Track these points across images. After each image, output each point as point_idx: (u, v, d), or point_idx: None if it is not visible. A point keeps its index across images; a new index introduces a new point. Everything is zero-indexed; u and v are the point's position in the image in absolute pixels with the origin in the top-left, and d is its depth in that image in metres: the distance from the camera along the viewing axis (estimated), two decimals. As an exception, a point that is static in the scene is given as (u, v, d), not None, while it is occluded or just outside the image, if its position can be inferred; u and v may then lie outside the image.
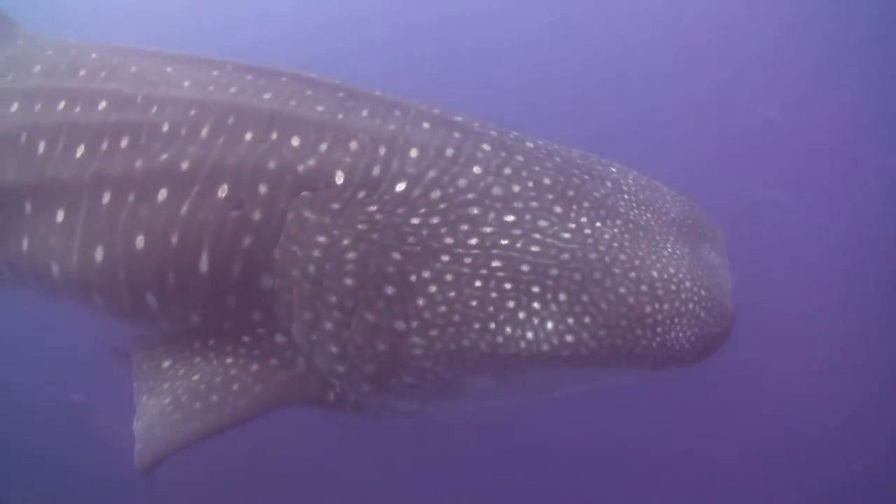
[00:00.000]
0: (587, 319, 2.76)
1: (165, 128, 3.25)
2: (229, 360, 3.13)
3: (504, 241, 2.87)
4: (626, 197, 3.17)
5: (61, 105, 3.50)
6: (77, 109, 3.46)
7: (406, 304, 2.85)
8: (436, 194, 2.97)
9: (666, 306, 2.81)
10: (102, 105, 3.41)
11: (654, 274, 2.86)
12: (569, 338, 2.76)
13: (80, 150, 3.36)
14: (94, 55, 3.75)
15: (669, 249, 3.01)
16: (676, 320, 2.81)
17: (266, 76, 3.40)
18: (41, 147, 3.45)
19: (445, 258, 2.87)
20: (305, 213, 3.00)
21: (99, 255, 3.22)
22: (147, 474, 2.90)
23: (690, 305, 2.85)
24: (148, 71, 3.55)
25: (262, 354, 3.14)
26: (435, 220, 2.92)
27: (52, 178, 3.39)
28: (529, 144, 3.24)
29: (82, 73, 3.64)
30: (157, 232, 3.12)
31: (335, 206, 2.99)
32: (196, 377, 3.11)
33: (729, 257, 3.33)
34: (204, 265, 3.08)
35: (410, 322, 2.85)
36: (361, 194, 3.00)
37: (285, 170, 3.06)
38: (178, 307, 3.20)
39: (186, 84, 3.40)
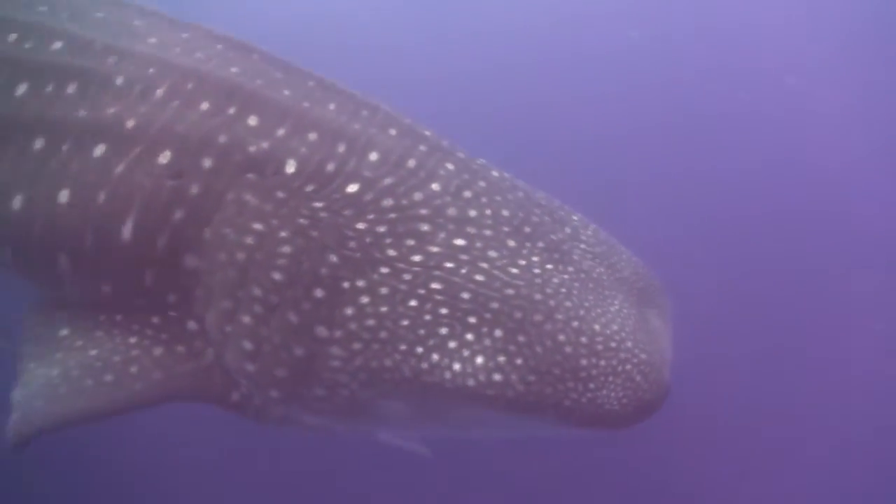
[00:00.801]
0: (519, 361, 2.61)
1: (119, 81, 3.04)
2: (133, 340, 2.91)
3: (449, 265, 2.72)
4: (583, 247, 3.06)
5: (11, 37, 3.26)
6: (27, 45, 3.22)
7: (333, 311, 2.68)
8: (388, 203, 2.82)
9: (603, 362, 2.68)
10: (56, 46, 3.18)
11: (597, 327, 2.73)
12: (497, 377, 2.60)
13: (21, 88, 3.10)
14: None
15: (616, 307, 2.89)
16: (611, 379, 2.68)
17: (238, 49, 3.23)
18: None
19: (384, 270, 2.70)
20: (247, 196, 2.82)
21: (17, 202, 2.97)
22: (20, 449, 2.64)
23: (628, 367, 2.72)
24: (115, 20, 3.33)
25: (169, 339, 2.92)
26: (381, 229, 2.76)
27: None
28: (495, 173, 3.11)
29: (43, 8, 3.41)
30: (85, 188, 2.89)
31: (280, 194, 2.82)
32: (93, 352, 2.87)
33: (672, 328, 3.23)
34: (127, 232, 2.86)
35: (334, 330, 2.67)
36: (310, 188, 2.83)
37: (235, 147, 2.88)
38: (90, 274, 2.97)
39: (152, 41, 3.20)
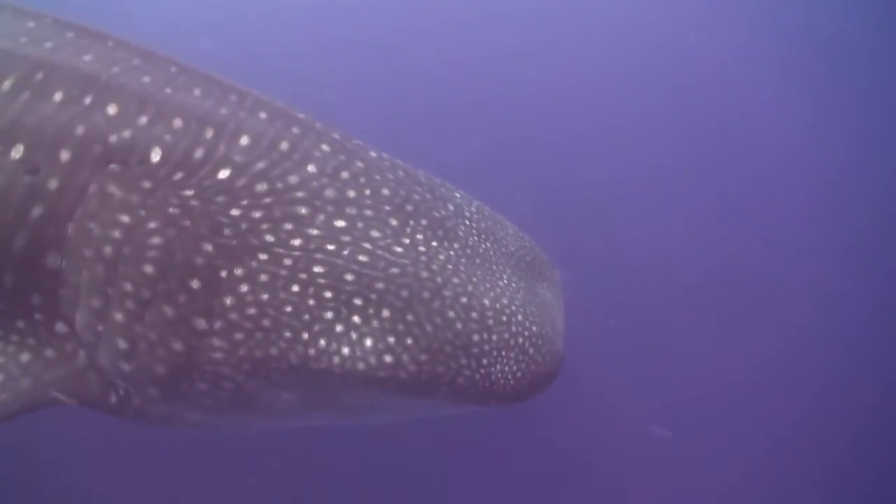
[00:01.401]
0: (409, 340, 2.55)
1: None
2: None
3: (330, 247, 2.63)
4: (467, 223, 3.01)
5: None
6: None
7: (212, 302, 2.55)
8: (262, 187, 2.70)
9: (495, 337, 2.64)
10: None
11: (486, 302, 2.69)
12: (387, 358, 2.53)
13: None
14: None
15: (505, 281, 2.86)
16: (504, 353, 2.65)
17: (90, 37, 3.03)
18: None
19: (263, 256, 2.59)
20: (111, 187, 2.65)
21: None
22: None
23: (520, 340, 2.70)
24: None
25: (37, 344, 2.74)
26: (257, 215, 2.65)
27: None
28: (372, 154, 3.03)
29: None
30: None
31: (146, 184, 2.66)
32: None
33: (562, 300, 3.23)
34: None
35: (214, 322, 2.54)
36: (178, 176, 2.69)
37: (95, 138, 2.70)
38: None
39: None
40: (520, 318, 2.74)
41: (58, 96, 2.76)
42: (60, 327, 2.75)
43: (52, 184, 2.66)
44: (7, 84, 2.78)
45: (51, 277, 2.69)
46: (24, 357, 2.70)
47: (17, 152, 2.68)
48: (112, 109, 2.76)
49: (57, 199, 2.66)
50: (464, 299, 2.65)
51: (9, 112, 2.72)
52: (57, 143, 2.69)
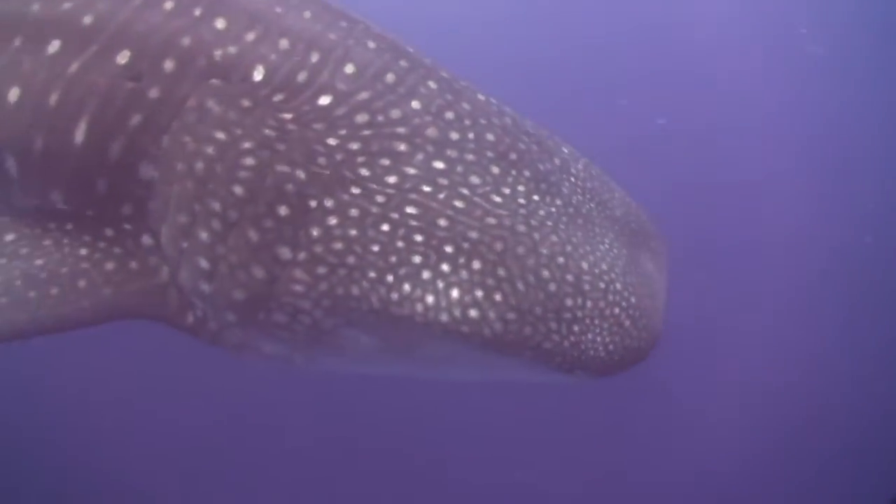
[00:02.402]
0: (498, 296, 2.40)
1: None
2: (83, 252, 2.69)
3: (426, 188, 2.49)
4: (573, 180, 2.82)
5: None
6: None
7: (298, 231, 2.45)
8: (362, 118, 2.58)
9: (589, 304, 2.47)
10: None
11: (584, 265, 2.51)
12: (472, 312, 2.39)
13: None
14: None
15: (606, 245, 2.67)
16: (597, 322, 2.48)
17: None
18: None
19: (355, 191, 2.47)
20: (209, 102, 2.58)
21: None
22: None
23: (616, 310, 2.51)
24: None
25: (122, 254, 2.70)
26: (354, 147, 2.53)
27: None
28: (481, 96, 2.86)
29: None
30: (36, 87, 2.65)
31: (245, 102, 2.57)
32: (39, 261, 2.66)
33: (667, 273, 3.01)
34: (79, 136, 2.62)
35: (298, 252, 2.45)
36: (278, 97, 2.59)
37: (200, 51, 2.63)
38: (39, 179, 2.73)
39: None
40: (618, 286, 2.55)
41: (168, 5, 2.70)
42: (147, 240, 2.71)
43: (153, 93, 2.60)
44: None
45: (142, 188, 2.66)
46: (109, 265, 2.67)
47: (122, 58, 2.63)
48: (220, 23, 2.68)
49: (156, 109, 2.60)
50: (560, 259, 2.48)
51: (119, 16, 2.68)
52: (162, 52, 2.63)
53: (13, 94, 2.67)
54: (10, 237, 2.74)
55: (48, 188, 2.73)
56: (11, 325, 2.51)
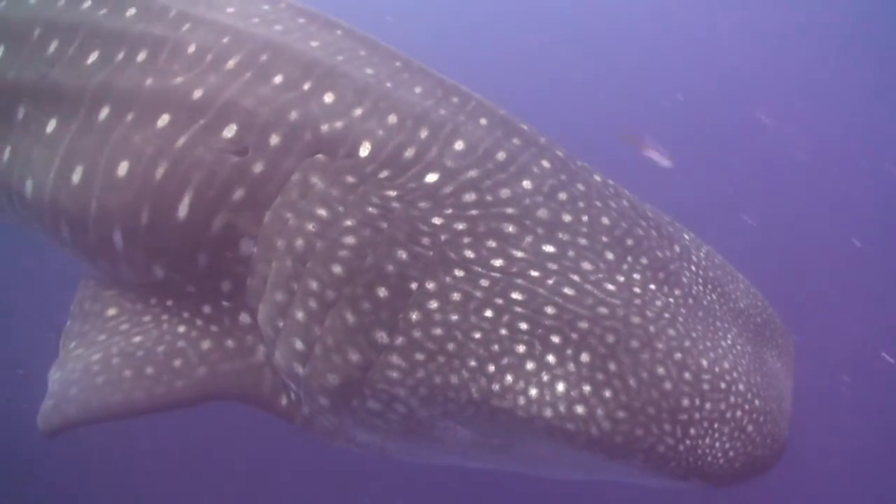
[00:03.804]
0: (608, 393, 2.20)
1: (191, 49, 2.81)
2: (181, 330, 2.66)
3: (534, 273, 2.34)
4: (693, 269, 2.62)
5: (86, 4, 3.07)
6: (102, 11, 3.02)
7: (396, 315, 2.33)
8: (469, 197, 2.46)
9: (709, 406, 2.24)
10: (131, 12, 2.97)
11: (704, 363, 2.29)
12: (579, 409, 2.20)
13: (92, 56, 2.92)
14: None
15: (729, 342, 2.45)
16: (717, 426, 2.24)
17: (320, 24, 2.95)
18: (52, 46, 3.00)
19: (459, 273, 2.34)
20: (313, 178, 2.52)
21: (77, 175, 2.77)
22: (50, 439, 2.48)
23: (738, 413, 2.28)
24: None
25: (219, 332, 2.65)
26: (459, 227, 2.41)
27: (55, 82, 2.94)
28: (597, 178, 2.72)
29: None
30: (144, 161, 2.66)
31: (349, 179, 2.50)
32: (137, 339, 2.64)
33: (793, 374, 2.75)
34: (183, 210, 2.61)
35: (395, 337, 2.32)
36: (384, 174, 2.50)
37: (306, 125, 2.59)
38: (143, 253, 2.72)
39: (230, 10, 2.96)
40: (741, 387, 2.32)
41: (278, 79, 2.68)
42: (244, 318, 2.65)
43: (258, 167, 2.57)
44: (232, 63, 2.74)
45: (242, 264, 2.61)
46: (205, 344, 2.62)
47: (229, 131, 2.62)
48: (329, 98, 2.64)
49: (260, 184, 2.56)
50: (678, 355, 2.27)
51: (228, 90, 2.68)
52: (269, 126, 2.60)
53: (122, 168, 2.69)
54: (111, 312, 2.74)
55: (151, 262, 2.72)
56: (106, 405, 2.50)
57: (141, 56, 2.84)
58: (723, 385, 2.28)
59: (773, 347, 2.69)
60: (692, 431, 2.21)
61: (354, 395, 2.41)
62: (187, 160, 2.61)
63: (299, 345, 2.45)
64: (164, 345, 2.61)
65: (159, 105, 2.72)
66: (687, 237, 2.80)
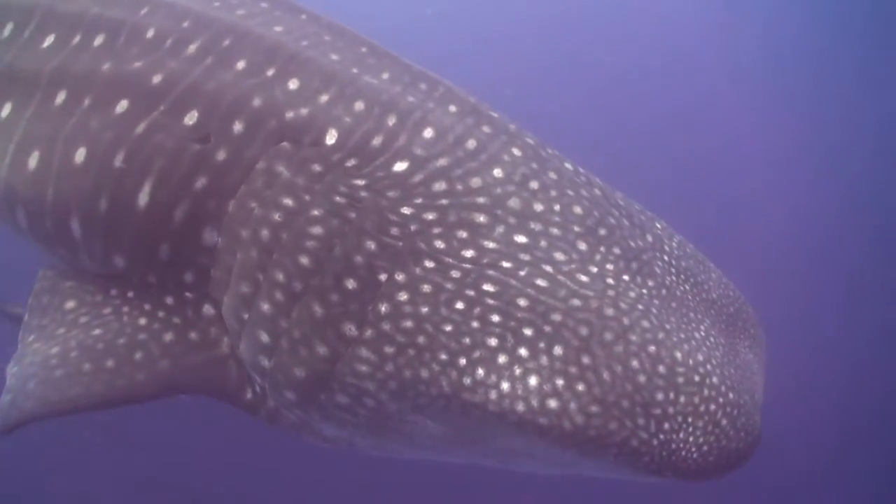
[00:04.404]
0: (581, 386, 2.16)
1: (150, 34, 2.72)
2: (142, 322, 2.58)
3: (506, 264, 2.29)
4: (666, 258, 2.58)
5: None
6: None
7: (365, 307, 2.27)
8: (439, 186, 2.40)
9: (682, 399, 2.20)
10: None
11: (678, 355, 2.26)
12: (552, 403, 2.15)
13: (48, 40, 2.85)
14: None
15: (703, 333, 2.42)
16: (690, 420, 2.20)
17: (284, 8, 2.87)
18: (6, 30, 2.94)
19: (429, 264, 2.28)
20: (278, 166, 2.44)
21: (33, 161, 2.69)
22: (5, 434, 2.40)
23: (712, 406, 2.24)
24: None
25: (181, 324, 2.57)
26: (430, 217, 2.35)
27: (9, 66, 2.88)
28: (568, 166, 2.67)
29: None
30: (102, 147, 2.58)
31: (316, 167, 2.43)
32: (97, 331, 2.56)
33: (764, 364, 2.73)
34: (143, 199, 2.52)
35: (364, 329, 2.26)
36: (351, 163, 2.44)
37: (271, 112, 2.51)
38: (102, 243, 2.64)
39: None
40: (715, 380, 2.28)
41: (240, 65, 2.61)
42: (208, 310, 2.58)
43: (221, 155, 2.49)
44: (193, 48, 2.66)
45: (205, 255, 2.53)
46: (168, 336, 2.55)
47: (190, 118, 2.54)
48: (293, 84, 2.56)
49: (223, 173, 2.49)
50: (652, 348, 2.23)
51: (189, 76, 2.59)
52: (232, 113, 2.53)
53: (80, 154, 2.60)
54: (70, 304, 2.66)
55: (111, 252, 2.64)
56: (65, 400, 2.42)
57: (98, 40, 2.76)
58: (697, 378, 2.24)
59: (746, 338, 2.66)
60: (665, 425, 2.18)
61: (322, 389, 2.34)
62: (147, 147, 2.53)
63: (265, 337, 2.38)
64: (124, 337, 2.54)
65: (117, 90, 2.64)
66: (659, 226, 2.76)
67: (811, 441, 5.67)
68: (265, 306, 2.37)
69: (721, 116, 7.86)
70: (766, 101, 8.06)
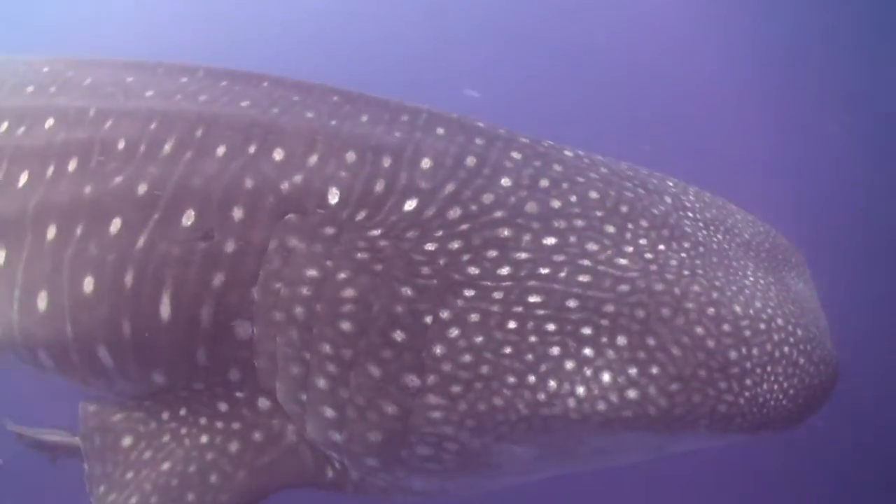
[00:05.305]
0: (655, 370, 2.13)
1: (121, 145, 2.66)
2: (204, 440, 2.51)
3: (544, 270, 2.25)
4: (691, 215, 2.55)
5: (2, 127, 2.92)
6: (20, 131, 2.87)
7: (420, 354, 2.23)
8: (455, 213, 2.36)
9: (756, 351, 2.17)
10: (49, 123, 2.82)
11: (738, 309, 2.22)
12: (631, 393, 2.12)
13: (22, 178, 2.77)
14: (45, 69, 3.16)
15: (751, 278, 2.39)
16: (769, 369, 2.18)
17: (243, 82, 2.81)
18: None
19: (469, 293, 2.24)
20: (291, 241, 2.40)
21: (42, 302, 2.62)
22: None
23: (786, 349, 2.21)
24: (104, 82, 2.95)
25: (243, 428, 2.51)
26: (455, 246, 2.31)
27: None
28: (568, 153, 2.63)
29: (29, 89, 3.06)
30: (108, 271, 2.52)
31: (329, 230, 2.38)
32: (166, 465, 2.49)
33: (815, 288, 2.70)
34: (165, 311, 2.46)
35: (426, 376, 2.22)
36: (361, 216, 2.39)
37: (266, 189, 2.46)
38: (136, 364, 2.58)
39: (149, 94, 2.82)
40: (780, 321, 2.25)
41: (220, 150, 2.56)
42: (263, 403, 2.52)
43: (229, 247, 2.44)
44: (168, 147, 2.61)
45: (244, 348, 2.47)
46: (234, 447, 2.49)
47: (188, 219, 2.48)
48: (278, 154, 2.51)
49: (237, 263, 2.43)
50: (711, 310, 2.20)
51: (173, 177, 2.54)
52: (227, 201, 2.47)
53: (87, 283, 2.54)
54: (127, 441, 2.58)
55: (148, 371, 2.58)
56: None
57: (72, 165, 2.70)
58: (762, 326, 2.21)
59: (790, 268, 2.64)
60: (748, 382, 2.15)
61: (401, 447, 2.30)
62: (153, 259, 2.47)
63: (330, 412, 2.33)
64: (194, 463, 2.47)
65: (107, 210, 2.58)
66: (671, 184, 2.73)
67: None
68: (321, 382, 2.32)
69: (719, 116, 7.94)
70: (763, 100, 8.17)
